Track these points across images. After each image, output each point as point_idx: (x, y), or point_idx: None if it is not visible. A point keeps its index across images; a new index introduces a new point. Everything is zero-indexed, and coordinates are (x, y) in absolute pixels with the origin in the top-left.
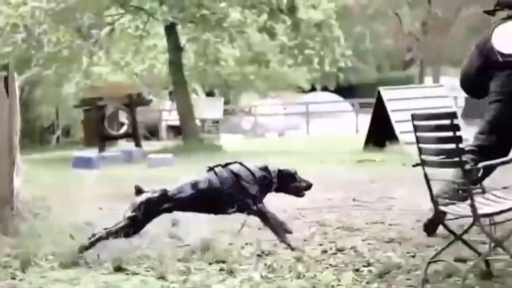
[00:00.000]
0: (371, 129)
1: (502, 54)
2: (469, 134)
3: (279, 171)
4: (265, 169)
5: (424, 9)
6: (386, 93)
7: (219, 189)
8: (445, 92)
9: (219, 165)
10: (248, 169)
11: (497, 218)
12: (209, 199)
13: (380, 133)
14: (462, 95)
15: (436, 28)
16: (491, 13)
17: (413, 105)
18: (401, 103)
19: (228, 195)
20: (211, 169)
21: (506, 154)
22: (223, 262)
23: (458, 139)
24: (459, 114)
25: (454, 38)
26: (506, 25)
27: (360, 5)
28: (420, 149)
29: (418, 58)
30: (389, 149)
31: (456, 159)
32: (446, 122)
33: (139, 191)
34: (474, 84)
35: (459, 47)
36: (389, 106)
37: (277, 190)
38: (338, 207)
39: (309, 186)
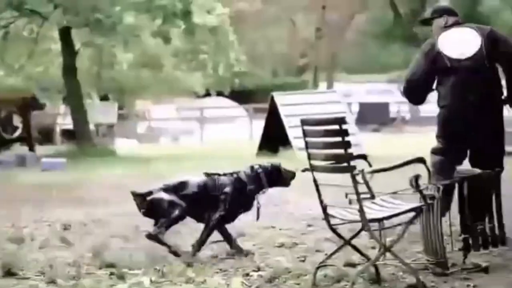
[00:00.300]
0: (264, 135)
1: (450, 59)
2: (362, 139)
3: (267, 173)
4: (258, 182)
5: (319, 15)
6: (280, 98)
7: (213, 194)
8: (338, 98)
9: (217, 173)
10: (242, 182)
11: (387, 223)
12: (202, 202)
13: (274, 139)
14: (355, 100)
15: (330, 33)
16: (427, 22)
17: (306, 111)
18: (294, 108)
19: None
20: (208, 175)
21: (460, 157)
22: (114, 266)
23: (347, 144)
24: (353, 120)
25: (348, 44)
26: (451, 31)
27: (255, 10)
28: (309, 154)
29: (312, 64)
30: (282, 155)
31: (345, 164)
32: (335, 127)
33: (147, 193)
34: (419, 90)
35: (352, 53)
36: (283, 111)
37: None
38: None
39: (293, 175)
